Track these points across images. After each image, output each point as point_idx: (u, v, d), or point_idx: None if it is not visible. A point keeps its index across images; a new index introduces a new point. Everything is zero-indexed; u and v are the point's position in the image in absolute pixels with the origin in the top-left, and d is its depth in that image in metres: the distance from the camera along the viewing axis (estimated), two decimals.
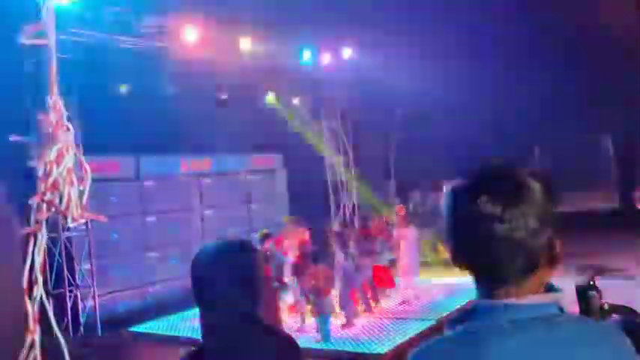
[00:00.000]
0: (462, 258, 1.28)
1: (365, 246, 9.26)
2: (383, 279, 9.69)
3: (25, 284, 2.75)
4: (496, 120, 11.95)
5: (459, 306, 8.81)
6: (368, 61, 12.78)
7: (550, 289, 1.25)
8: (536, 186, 1.23)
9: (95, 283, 9.33)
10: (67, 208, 2.92)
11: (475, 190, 1.22)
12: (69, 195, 2.98)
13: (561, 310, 1.22)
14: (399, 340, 7.50)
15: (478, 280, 1.28)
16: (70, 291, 8.98)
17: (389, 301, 9.61)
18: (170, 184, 11.56)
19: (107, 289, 9.97)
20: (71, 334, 8.73)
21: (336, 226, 10.40)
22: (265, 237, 8.58)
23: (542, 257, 1.22)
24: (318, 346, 7.55)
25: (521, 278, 1.22)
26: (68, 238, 9.07)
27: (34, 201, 2.86)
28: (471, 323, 1.23)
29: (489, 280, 1.25)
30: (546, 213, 1.22)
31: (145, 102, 10.69)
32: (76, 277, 9.17)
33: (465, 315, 1.25)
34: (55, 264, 8.84)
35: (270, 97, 13.37)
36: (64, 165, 2.97)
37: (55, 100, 2.92)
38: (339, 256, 8.70)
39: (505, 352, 1.16)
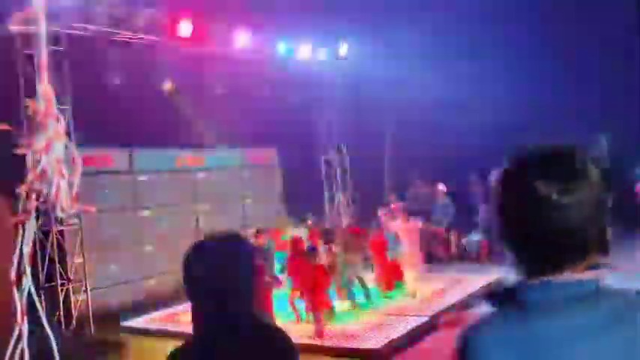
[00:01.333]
0: (511, 238, 1.27)
1: (353, 243, 9.26)
2: (392, 273, 9.73)
3: (13, 275, 2.72)
4: (494, 118, 11.93)
5: (452, 302, 8.86)
6: (364, 57, 12.75)
7: (596, 267, 1.24)
8: (594, 172, 1.21)
9: (87, 277, 9.28)
10: (57, 198, 2.87)
11: (534, 174, 1.21)
12: (58, 185, 2.93)
13: (598, 286, 1.22)
14: (393, 335, 7.49)
15: (525, 260, 1.26)
16: (62, 285, 8.93)
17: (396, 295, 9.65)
18: (164, 179, 11.51)
19: (99, 283, 9.93)
20: (63, 328, 8.69)
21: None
22: (259, 232, 8.60)
23: (594, 244, 1.22)
24: (312, 341, 7.52)
25: (571, 262, 1.21)
26: (60, 232, 9.02)
27: (22, 190, 2.82)
28: (522, 299, 1.22)
29: (538, 261, 1.24)
30: (602, 200, 1.21)
31: (139, 95, 10.66)
32: (68, 270, 9.12)
33: (514, 292, 1.24)
34: (47, 257, 8.79)
35: (265, 92, 13.33)
36: (52, 154, 2.92)
37: (44, 88, 2.87)
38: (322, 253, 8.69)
39: (555, 330, 1.17)
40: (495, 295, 1.28)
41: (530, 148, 1.27)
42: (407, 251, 9.48)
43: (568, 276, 1.21)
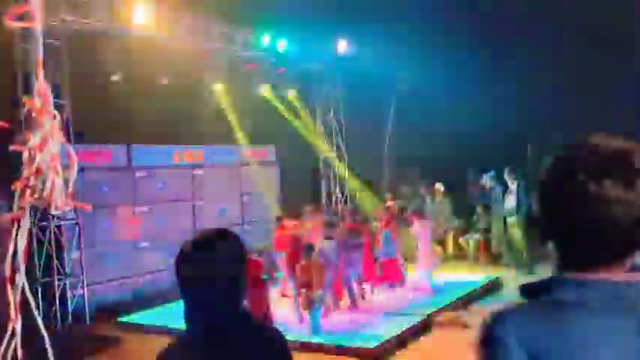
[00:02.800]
0: (557, 232, 1.25)
1: (352, 240, 9.24)
2: (389, 273, 9.75)
3: (7, 272, 2.71)
4: (494, 118, 11.91)
5: (449, 302, 8.86)
6: (363, 54, 12.73)
7: (637, 267, 1.23)
8: None
9: (84, 273, 9.29)
10: (51, 195, 2.85)
11: (601, 174, 1.18)
12: (53, 182, 2.91)
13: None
14: (388, 334, 7.49)
15: (573, 257, 1.24)
16: (59, 280, 8.94)
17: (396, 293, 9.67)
18: (162, 175, 11.50)
19: (97, 278, 9.94)
20: (59, 323, 8.71)
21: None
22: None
23: (637, 243, 1.21)
24: (306, 338, 7.53)
25: (622, 258, 1.21)
26: (58, 227, 9.02)
27: (17, 187, 2.80)
28: (559, 295, 1.20)
29: (589, 258, 1.22)
30: None
31: (138, 91, 10.64)
32: (65, 266, 9.13)
33: (551, 286, 1.23)
34: (44, 252, 8.80)
35: (264, 89, 13.32)
36: (47, 151, 2.90)
37: (40, 84, 2.84)
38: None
39: (591, 329, 1.15)
40: (530, 288, 1.26)
41: (579, 141, 1.25)
42: (422, 251, 9.61)
43: (610, 276, 1.20)
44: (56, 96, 8.60)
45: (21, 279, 2.58)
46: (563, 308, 1.18)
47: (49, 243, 8.80)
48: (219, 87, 12.21)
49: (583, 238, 1.21)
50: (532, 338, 1.17)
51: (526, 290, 1.26)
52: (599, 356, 1.14)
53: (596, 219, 1.17)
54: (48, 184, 2.80)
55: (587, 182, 1.18)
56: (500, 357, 1.18)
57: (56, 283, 8.85)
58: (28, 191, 2.77)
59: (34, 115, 2.84)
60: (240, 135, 13.06)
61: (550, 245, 1.28)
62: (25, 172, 2.73)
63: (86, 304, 9.25)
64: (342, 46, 13.07)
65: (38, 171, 2.75)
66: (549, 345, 1.15)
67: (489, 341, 1.21)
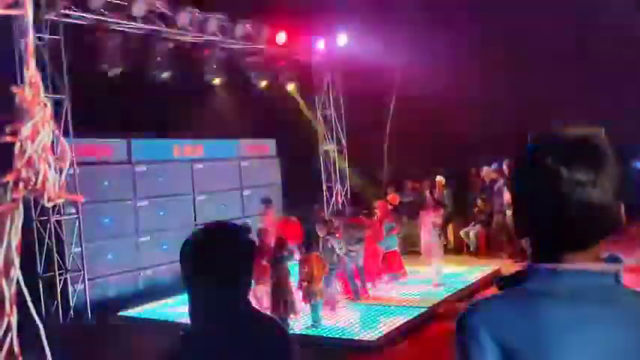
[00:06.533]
0: (535, 223, 1.26)
1: (354, 233, 9.19)
2: (391, 264, 9.74)
3: (1, 265, 2.69)
4: (494, 109, 11.86)
5: (450, 294, 8.86)
6: (363, 47, 12.67)
7: (614, 259, 1.24)
8: (612, 152, 1.23)
9: (85, 267, 9.29)
10: (43, 187, 2.82)
11: (556, 154, 1.20)
12: (45, 173, 2.87)
13: (618, 281, 1.22)
14: (390, 327, 7.48)
15: (544, 245, 1.26)
16: (60, 274, 8.95)
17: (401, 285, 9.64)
18: (162, 169, 11.47)
19: (98, 273, 9.94)
20: (61, 317, 8.73)
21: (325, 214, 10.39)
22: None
23: (609, 229, 1.23)
24: (308, 332, 7.52)
25: (592, 244, 1.22)
26: (58, 222, 9.03)
27: (9, 178, 2.78)
28: (530, 284, 1.22)
29: (559, 245, 1.23)
30: (620, 178, 1.22)
31: (138, 85, 10.61)
32: (67, 260, 9.13)
33: (524, 275, 1.25)
34: (45, 247, 8.81)
35: (264, 83, 13.26)
36: (38, 142, 2.86)
37: (31, 74, 2.81)
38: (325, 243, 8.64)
39: (559, 318, 1.16)
40: (504, 279, 1.28)
41: (546, 132, 1.27)
42: (430, 242, 9.60)
43: (581, 265, 1.21)
44: (56, 90, 8.68)
45: (15, 273, 2.56)
46: (532, 297, 1.20)
47: (50, 237, 8.80)
48: (218, 81, 12.16)
49: (554, 225, 1.22)
50: (501, 327, 1.19)
51: (504, 281, 1.28)
52: (566, 345, 1.15)
53: (565, 205, 1.19)
54: (40, 176, 2.77)
55: (555, 168, 1.19)
56: (471, 346, 1.21)
57: (57, 277, 8.85)
58: (21, 183, 2.74)
59: (24, 105, 2.81)
60: (240, 129, 13.02)
61: (526, 237, 1.30)
62: (17, 164, 2.70)
63: (87, 298, 9.25)
64: (342, 38, 13.02)
65: (30, 162, 2.72)
66: (517, 333, 1.17)
67: (462, 330, 1.24)
